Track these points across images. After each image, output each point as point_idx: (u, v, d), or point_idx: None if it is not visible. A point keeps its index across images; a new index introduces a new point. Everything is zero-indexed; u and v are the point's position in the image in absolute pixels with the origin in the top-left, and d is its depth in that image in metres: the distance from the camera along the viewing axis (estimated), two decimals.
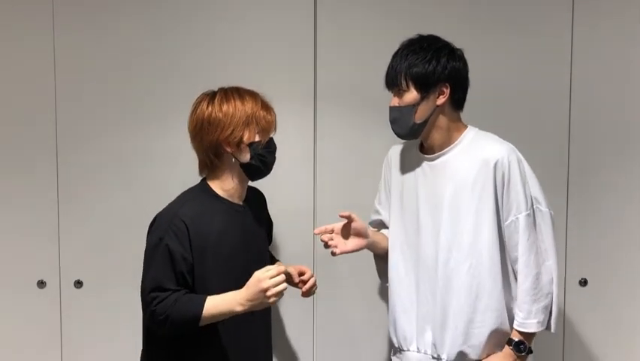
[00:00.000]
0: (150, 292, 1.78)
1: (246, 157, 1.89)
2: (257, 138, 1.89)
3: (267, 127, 1.90)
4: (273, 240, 2.39)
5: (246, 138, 1.87)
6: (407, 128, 1.91)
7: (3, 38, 2.40)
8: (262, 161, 1.91)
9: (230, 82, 1.99)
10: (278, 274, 1.71)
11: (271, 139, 1.93)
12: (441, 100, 1.90)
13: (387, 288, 2.14)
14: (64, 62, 2.40)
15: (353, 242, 1.98)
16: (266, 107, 1.91)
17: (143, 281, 1.82)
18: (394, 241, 2.05)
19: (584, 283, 2.40)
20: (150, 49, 2.39)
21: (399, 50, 1.95)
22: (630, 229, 2.39)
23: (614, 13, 2.36)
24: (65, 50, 2.39)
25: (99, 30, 2.39)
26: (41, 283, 2.43)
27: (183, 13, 2.39)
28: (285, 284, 1.73)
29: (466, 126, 1.98)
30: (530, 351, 1.91)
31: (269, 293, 1.70)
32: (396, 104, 1.92)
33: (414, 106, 1.88)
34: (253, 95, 1.92)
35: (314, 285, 2.04)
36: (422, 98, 1.88)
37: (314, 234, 1.97)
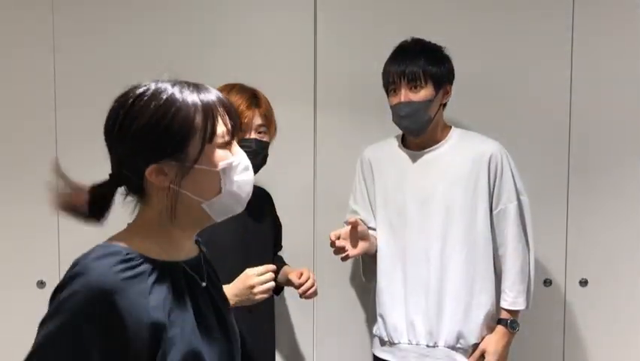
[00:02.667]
0: None
1: None
2: None
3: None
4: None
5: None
6: (422, 123, 1.98)
7: (3, 38, 2.40)
8: None
9: (230, 82, 1.99)
10: (266, 272, 1.74)
11: (248, 139, 1.90)
12: (444, 99, 2.03)
13: (371, 286, 2.22)
14: (64, 61, 2.40)
15: (360, 245, 2.02)
16: (250, 106, 1.90)
17: None
18: (382, 238, 2.11)
19: (584, 283, 2.40)
20: (150, 49, 2.39)
21: (404, 47, 2.02)
22: (630, 229, 2.39)
23: (614, 13, 2.36)
24: (65, 50, 2.39)
25: (99, 30, 2.39)
26: (41, 284, 2.43)
27: (183, 14, 2.39)
28: (272, 283, 1.74)
29: (450, 127, 2.10)
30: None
31: (255, 290, 1.72)
32: (410, 99, 1.96)
33: (429, 102, 1.96)
34: (244, 92, 1.92)
35: (312, 286, 1.98)
36: (435, 95, 1.98)
37: (330, 240, 1.95)
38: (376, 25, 2.39)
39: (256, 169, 1.95)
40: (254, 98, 1.93)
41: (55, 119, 2.41)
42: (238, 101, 1.90)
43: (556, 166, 2.39)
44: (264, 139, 1.94)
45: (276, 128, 2.01)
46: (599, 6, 2.36)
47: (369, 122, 2.38)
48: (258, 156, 1.92)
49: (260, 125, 1.92)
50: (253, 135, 1.91)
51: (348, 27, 2.40)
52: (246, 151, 1.88)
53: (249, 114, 1.89)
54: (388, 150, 2.13)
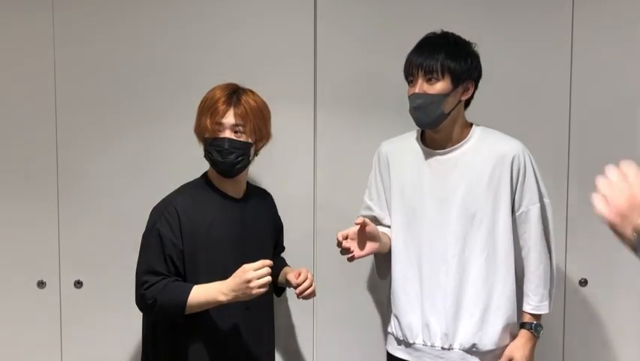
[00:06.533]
0: (142, 275, 1.84)
1: (203, 148, 1.94)
2: (206, 134, 1.89)
3: (212, 122, 1.88)
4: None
5: (196, 126, 1.94)
6: (433, 117, 1.93)
7: (3, 38, 2.40)
8: (210, 158, 1.90)
9: (234, 82, 1.99)
10: (262, 267, 1.74)
11: (221, 138, 1.87)
12: (465, 96, 1.98)
13: (384, 284, 2.18)
14: (64, 62, 2.39)
15: (368, 246, 1.97)
16: (224, 102, 1.88)
17: (137, 265, 1.88)
18: (397, 237, 2.06)
19: (584, 283, 2.40)
20: (150, 49, 2.39)
21: (428, 39, 1.99)
22: None
23: (614, 13, 2.36)
24: (65, 50, 2.39)
25: (99, 30, 2.38)
26: (41, 283, 2.43)
27: (183, 13, 2.38)
28: (268, 277, 1.75)
29: (470, 124, 2.05)
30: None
31: (252, 285, 1.73)
32: (425, 92, 1.92)
33: (445, 96, 1.92)
34: (226, 89, 1.91)
35: (309, 286, 1.95)
36: (452, 90, 1.93)
37: (337, 240, 1.91)
38: (376, 25, 2.39)
39: (231, 168, 1.89)
40: (233, 96, 1.89)
41: (56, 120, 2.40)
42: (217, 97, 1.89)
43: (556, 166, 2.39)
44: (241, 139, 1.89)
45: (263, 130, 1.95)
46: (598, 6, 2.36)
47: (370, 122, 2.37)
48: (231, 155, 1.87)
49: (234, 125, 1.88)
50: (227, 134, 1.88)
51: (348, 27, 2.40)
52: (216, 150, 1.88)
53: (221, 111, 1.87)
54: (406, 146, 2.08)
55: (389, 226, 2.10)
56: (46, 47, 2.39)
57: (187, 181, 2.01)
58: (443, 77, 1.91)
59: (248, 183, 2.06)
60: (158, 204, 1.93)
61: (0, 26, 2.40)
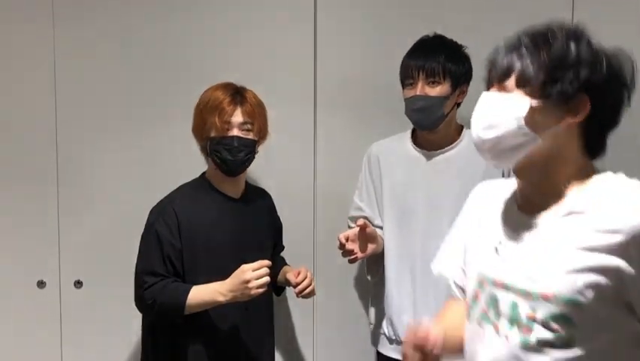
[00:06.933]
0: (142, 276, 1.84)
1: (207, 149, 1.93)
2: (213, 133, 1.89)
3: (220, 121, 1.89)
4: None
5: (197, 126, 1.93)
6: (434, 118, 1.95)
7: (3, 38, 2.40)
8: (218, 157, 1.89)
9: (231, 81, 1.99)
10: (261, 267, 1.75)
11: (230, 137, 1.88)
12: (460, 98, 2.00)
13: (373, 283, 2.21)
14: (64, 62, 2.40)
15: (368, 248, 1.98)
16: (231, 102, 1.88)
17: (136, 265, 1.89)
18: (389, 237, 2.07)
19: None
20: (150, 48, 2.39)
21: (425, 42, 2.00)
22: None
23: (614, 13, 2.36)
24: (65, 50, 2.39)
25: (99, 29, 2.39)
26: (41, 283, 2.43)
27: (183, 13, 2.38)
28: (267, 278, 1.75)
29: (462, 126, 2.06)
30: None
31: (250, 285, 1.73)
32: (426, 94, 1.94)
33: (445, 98, 1.94)
34: (228, 89, 1.91)
35: (309, 285, 1.96)
36: (451, 93, 1.95)
37: (339, 242, 1.91)
38: (376, 25, 2.39)
39: (240, 166, 1.92)
40: (237, 95, 1.91)
41: (56, 119, 2.41)
42: (221, 97, 1.89)
43: None
44: (249, 137, 1.91)
45: (265, 128, 1.97)
46: (598, 6, 2.35)
47: (370, 121, 2.37)
48: (240, 153, 1.89)
49: (242, 123, 1.89)
50: (236, 133, 1.89)
51: (348, 27, 2.40)
52: (226, 149, 1.89)
53: (229, 110, 1.88)
54: (398, 147, 2.09)
55: (379, 227, 2.11)
56: (46, 46, 2.39)
57: (186, 180, 2.01)
58: (444, 79, 1.93)
59: (247, 183, 2.06)
60: (156, 204, 1.93)
61: (0, 26, 2.40)
